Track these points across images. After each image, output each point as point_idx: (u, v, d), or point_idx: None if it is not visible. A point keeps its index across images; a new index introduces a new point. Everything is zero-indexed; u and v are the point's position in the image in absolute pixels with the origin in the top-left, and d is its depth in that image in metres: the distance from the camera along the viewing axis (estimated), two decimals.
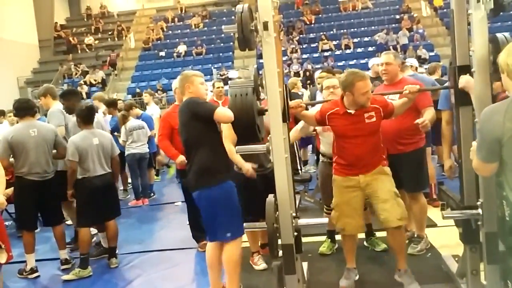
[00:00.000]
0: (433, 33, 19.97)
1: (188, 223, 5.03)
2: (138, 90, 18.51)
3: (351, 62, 17.03)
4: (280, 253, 3.07)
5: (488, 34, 2.82)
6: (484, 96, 2.80)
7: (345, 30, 20.66)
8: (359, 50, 19.59)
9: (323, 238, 4.47)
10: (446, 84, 4.47)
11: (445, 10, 19.48)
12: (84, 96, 17.10)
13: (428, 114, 3.84)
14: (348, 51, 19.61)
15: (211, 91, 5.88)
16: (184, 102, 3.44)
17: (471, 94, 2.93)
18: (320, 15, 22.68)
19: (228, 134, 3.65)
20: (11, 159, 4.51)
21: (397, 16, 21.30)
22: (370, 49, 19.35)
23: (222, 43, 21.45)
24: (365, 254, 4.21)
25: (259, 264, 4.19)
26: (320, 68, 13.70)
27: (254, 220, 3.69)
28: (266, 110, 3.01)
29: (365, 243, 4.39)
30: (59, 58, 22.30)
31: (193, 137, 3.37)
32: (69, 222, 5.49)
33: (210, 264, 3.55)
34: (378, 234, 4.37)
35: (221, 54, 20.76)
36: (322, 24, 21.96)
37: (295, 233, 3.11)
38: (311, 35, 21.13)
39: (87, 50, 22.80)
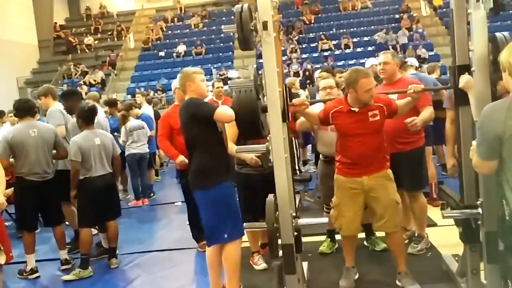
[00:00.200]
0: (432, 32, 19.97)
1: (188, 223, 5.03)
2: (137, 90, 18.50)
3: (351, 62, 17.02)
4: (280, 253, 3.08)
5: (488, 33, 2.82)
6: (484, 95, 2.80)
7: (344, 30, 20.67)
8: (358, 49, 19.59)
9: (323, 237, 4.47)
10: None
11: (444, 9, 19.48)
12: (84, 96, 17.06)
13: (425, 113, 3.84)
14: (347, 50, 19.62)
15: (211, 91, 5.87)
16: (184, 103, 3.42)
17: (469, 94, 2.93)
18: (319, 15, 22.68)
19: (228, 133, 3.65)
20: (11, 160, 4.51)
21: (397, 16, 21.31)
22: (369, 48, 19.34)
23: (221, 43, 21.45)
24: (365, 254, 4.21)
25: (259, 264, 4.20)
26: (319, 68, 13.72)
27: (254, 220, 3.70)
28: None
29: (365, 242, 4.39)
30: (59, 59, 22.30)
31: (192, 138, 3.38)
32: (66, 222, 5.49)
33: (210, 264, 3.55)
34: (378, 233, 4.37)
35: (220, 54, 20.76)
36: (322, 23, 21.97)
37: (295, 233, 3.11)
38: (311, 35, 21.13)
39: (87, 50, 22.80)
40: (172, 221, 6.28)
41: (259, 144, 3.26)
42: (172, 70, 19.73)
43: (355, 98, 3.34)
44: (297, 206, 3.68)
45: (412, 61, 6.05)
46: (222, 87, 5.91)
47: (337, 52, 19.61)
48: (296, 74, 17.79)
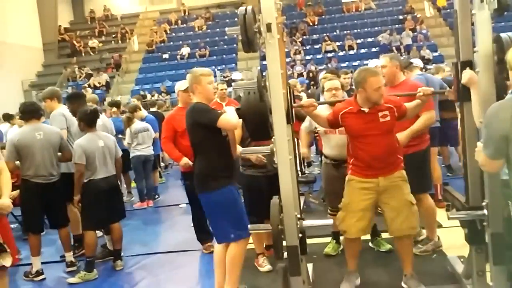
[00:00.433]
0: (436, 33, 19.92)
1: (192, 225, 5.03)
2: (142, 93, 18.55)
3: (355, 63, 17.00)
4: (285, 254, 3.07)
5: (492, 34, 2.81)
6: (489, 96, 2.79)
7: (348, 31, 20.63)
8: (362, 51, 19.54)
9: (328, 239, 4.46)
10: None
11: (448, 10, 19.43)
12: None
13: (421, 119, 3.79)
14: (351, 52, 19.58)
15: (215, 93, 5.88)
16: (190, 108, 3.45)
17: (472, 90, 2.91)
18: (323, 16, 22.66)
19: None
20: (17, 162, 4.52)
21: (401, 17, 21.26)
22: (373, 49, 19.30)
23: (225, 45, 21.47)
24: (370, 255, 4.20)
25: (264, 265, 4.19)
26: (323, 69, 13.71)
27: (259, 221, 3.70)
28: None
29: (370, 244, 4.38)
30: (63, 61, 22.39)
31: (197, 142, 3.43)
32: None
33: (217, 261, 3.59)
34: (383, 234, 4.36)
35: (224, 56, 20.78)
36: (325, 25, 21.95)
37: (300, 235, 3.11)
38: (314, 36, 21.12)
39: (91, 53, 22.87)
40: (176, 223, 6.29)
41: (262, 145, 3.27)
42: (176, 72, 19.79)
43: (364, 98, 3.32)
44: (301, 207, 3.68)
45: (417, 62, 6.03)
46: (226, 89, 5.93)
47: (341, 53, 19.59)
48: (300, 75, 17.79)
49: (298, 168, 6.34)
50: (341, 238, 4.26)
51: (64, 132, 4.91)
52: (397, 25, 20.37)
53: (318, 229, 3.93)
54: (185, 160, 4.53)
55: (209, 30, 22.96)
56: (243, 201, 4.27)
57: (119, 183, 6.78)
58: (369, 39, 20.08)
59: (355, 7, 22.48)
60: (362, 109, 3.34)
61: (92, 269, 4.51)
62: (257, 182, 4.01)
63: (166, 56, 21.40)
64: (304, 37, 21.03)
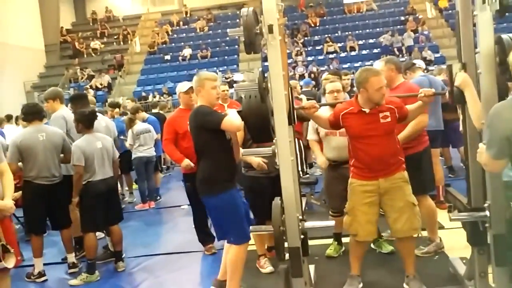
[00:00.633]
0: (438, 34, 19.89)
1: (194, 226, 5.03)
2: (144, 94, 18.60)
3: (356, 64, 16.99)
4: (287, 256, 3.07)
5: (494, 35, 2.81)
6: (491, 97, 2.79)
7: (350, 32, 20.60)
8: (364, 52, 19.53)
9: (330, 240, 4.46)
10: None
11: (450, 11, 19.41)
12: None
13: (412, 124, 3.75)
14: (353, 53, 19.57)
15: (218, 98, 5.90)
16: (193, 111, 3.48)
17: (465, 92, 2.90)
18: (324, 18, 22.65)
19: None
20: (19, 164, 4.53)
21: (402, 18, 21.24)
22: (375, 51, 19.28)
23: (227, 46, 21.49)
24: (372, 256, 4.19)
25: (266, 267, 4.19)
26: (325, 71, 13.71)
27: (260, 223, 3.71)
28: None
29: (372, 245, 4.37)
30: (65, 63, 22.42)
31: (201, 145, 3.45)
32: None
33: (226, 249, 3.65)
34: (385, 236, 4.36)
35: (226, 57, 20.79)
36: (327, 26, 21.95)
37: (302, 236, 3.11)
38: (316, 38, 21.11)
39: (93, 54, 22.89)
40: (178, 224, 6.29)
41: (264, 147, 3.28)
42: (177, 73, 19.81)
43: (366, 98, 3.32)
44: (303, 209, 3.68)
45: (420, 63, 6.03)
46: (227, 90, 5.92)
47: (342, 54, 19.57)
48: (302, 76, 17.78)
49: (300, 169, 6.35)
50: (344, 239, 4.26)
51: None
52: (398, 26, 20.35)
53: (320, 230, 3.93)
54: (187, 162, 4.53)
55: (210, 32, 22.99)
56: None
57: (119, 184, 6.85)
58: (371, 40, 20.07)
59: (357, 8, 22.46)
60: (363, 109, 3.34)
61: (94, 271, 4.52)
62: (259, 183, 4.01)
63: (167, 57, 21.41)
64: (306, 38, 21.02)
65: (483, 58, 2.81)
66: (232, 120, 3.25)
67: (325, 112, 3.66)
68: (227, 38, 21.07)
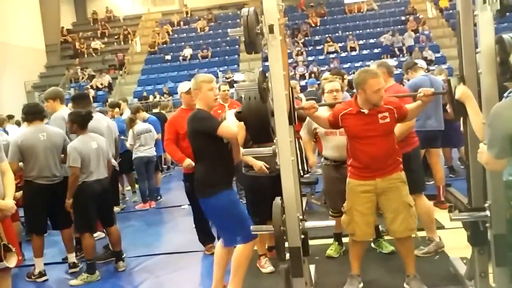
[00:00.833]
0: (439, 34, 19.89)
1: (194, 226, 5.03)
2: (144, 94, 18.61)
3: (357, 64, 16.99)
4: (287, 256, 3.07)
5: (495, 35, 2.81)
6: (492, 97, 2.78)
7: (350, 32, 20.61)
8: (364, 52, 19.54)
9: (330, 240, 4.46)
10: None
11: (451, 11, 19.41)
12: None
13: (398, 126, 3.69)
14: (353, 53, 19.58)
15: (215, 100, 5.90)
16: (191, 115, 3.46)
17: (467, 105, 2.89)
18: (325, 17, 22.67)
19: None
20: (20, 163, 4.53)
21: (403, 18, 21.24)
22: (375, 51, 19.30)
23: (227, 46, 21.50)
24: (372, 256, 4.19)
25: (266, 267, 4.19)
26: (326, 70, 13.71)
27: (261, 222, 3.71)
28: None
29: (372, 244, 4.37)
30: (66, 63, 22.45)
31: (197, 149, 3.46)
32: None
33: (217, 260, 3.61)
34: (386, 236, 4.35)
35: (226, 57, 20.80)
36: (328, 26, 21.96)
37: (302, 236, 3.11)
38: (317, 37, 21.12)
39: (94, 54, 22.92)
40: (178, 224, 6.30)
41: (264, 147, 3.28)
42: (178, 73, 19.84)
43: (364, 99, 3.32)
44: (304, 209, 3.68)
45: (421, 63, 6.03)
46: (228, 90, 5.94)
47: (343, 54, 19.57)
48: (302, 76, 17.80)
49: (300, 168, 6.35)
50: (344, 239, 4.26)
51: None
52: (399, 26, 20.35)
53: (320, 230, 3.93)
54: (188, 161, 4.53)
55: (211, 32, 23.00)
56: (245, 202, 4.29)
57: (120, 184, 6.86)
58: (371, 40, 20.08)
59: (357, 8, 22.47)
60: (361, 110, 3.34)
61: (94, 271, 4.52)
62: (259, 183, 4.01)
63: (168, 57, 21.43)
64: (306, 38, 21.03)
65: (484, 58, 2.81)
66: (229, 126, 3.25)
67: (324, 112, 3.66)
68: (228, 38, 21.09)
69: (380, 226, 4.31)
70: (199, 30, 23.20)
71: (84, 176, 4.44)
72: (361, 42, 20.10)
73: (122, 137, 7.11)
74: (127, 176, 7.87)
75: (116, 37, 23.98)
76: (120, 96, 18.08)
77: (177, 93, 17.46)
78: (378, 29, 20.62)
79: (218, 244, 3.63)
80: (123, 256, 4.80)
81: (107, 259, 4.94)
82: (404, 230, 3.40)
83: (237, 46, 20.82)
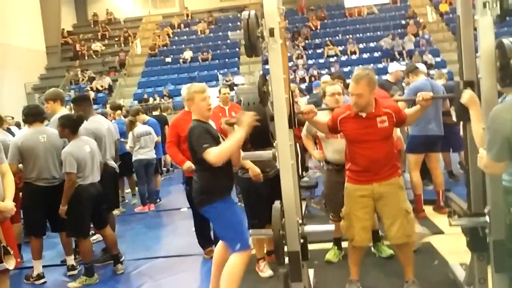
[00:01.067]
0: (439, 38, 19.93)
1: (194, 229, 5.02)
2: (145, 96, 18.62)
3: (357, 68, 16.99)
4: (287, 260, 3.06)
5: (495, 39, 2.81)
6: (492, 102, 2.78)
7: (350, 36, 20.66)
8: (364, 55, 19.59)
9: (330, 245, 4.45)
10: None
11: (451, 15, 19.46)
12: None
13: None
14: (353, 56, 19.61)
15: (217, 97, 5.91)
16: (191, 127, 3.35)
17: (471, 110, 2.89)
18: (325, 21, 22.71)
19: None
20: (20, 165, 4.52)
21: (403, 22, 21.29)
22: (375, 54, 19.34)
23: (228, 48, 21.52)
24: (371, 261, 4.18)
25: (265, 271, 4.18)
26: (326, 74, 13.71)
27: (258, 224, 3.70)
28: None
29: (372, 249, 4.36)
30: (66, 64, 22.45)
31: (196, 160, 3.39)
32: None
33: (215, 263, 3.59)
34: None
35: (227, 59, 20.82)
36: (328, 29, 21.99)
37: (302, 240, 3.11)
38: (317, 41, 21.15)
39: (94, 56, 22.94)
40: (178, 227, 6.29)
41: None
42: (178, 76, 19.87)
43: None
44: (303, 213, 3.67)
45: (422, 67, 6.04)
46: (228, 93, 5.94)
47: (343, 58, 19.60)
48: (302, 80, 17.81)
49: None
50: (343, 244, 4.25)
51: None
52: (399, 30, 20.38)
53: (320, 234, 3.91)
54: (188, 164, 4.52)
55: (211, 34, 23.03)
56: (244, 205, 4.28)
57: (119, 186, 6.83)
58: (372, 44, 20.10)
59: (358, 11, 22.50)
60: (359, 114, 3.34)
61: (93, 274, 4.50)
62: (255, 185, 3.99)
63: (168, 59, 21.44)
64: (307, 41, 21.06)
65: (484, 62, 2.81)
66: (214, 156, 3.11)
67: (323, 117, 3.65)
68: (228, 41, 21.15)
69: (380, 231, 4.30)
70: (199, 33, 23.22)
71: (80, 180, 4.39)
72: (361, 45, 20.13)
73: (122, 139, 7.11)
74: (128, 179, 7.87)
75: (116, 39, 24.00)
76: (120, 98, 18.14)
77: (177, 96, 17.51)
78: (378, 32, 20.63)
79: (219, 246, 3.60)
80: (121, 259, 4.79)
81: (106, 262, 4.93)
82: (401, 236, 3.38)
83: (237, 49, 20.85)
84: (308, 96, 8.49)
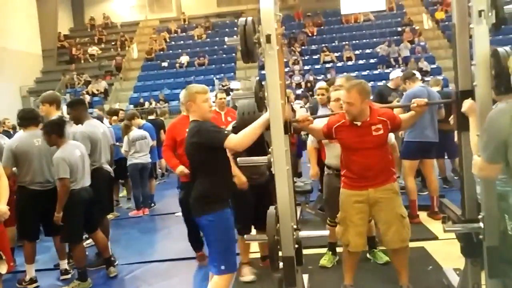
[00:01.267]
0: (434, 45, 20.05)
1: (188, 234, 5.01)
2: (141, 100, 18.61)
3: (353, 74, 16.91)
4: (281, 265, 3.06)
5: (490, 47, 2.83)
6: (487, 110, 2.79)
7: (347, 42, 20.74)
8: (360, 62, 19.66)
9: (324, 250, 4.44)
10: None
11: (446, 23, 19.57)
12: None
13: None
14: (349, 63, 19.68)
15: (213, 102, 5.91)
16: (195, 126, 3.15)
17: (470, 118, 2.91)
18: (322, 27, 22.80)
19: None
20: (14, 169, 4.51)
21: (399, 29, 21.39)
22: (371, 61, 19.42)
23: (224, 54, 21.56)
24: (366, 267, 4.18)
25: (246, 275, 4.16)
26: (322, 80, 13.75)
27: (244, 229, 3.67)
28: None
29: (367, 255, 4.36)
30: (62, 68, 22.41)
31: (195, 164, 3.25)
32: None
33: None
34: (381, 246, 4.35)
35: (223, 65, 20.85)
36: (324, 36, 22.07)
37: (296, 245, 3.10)
38: (313, 47, 21.21)
39: (90, 60, 22.92)
40: (172, 232, 6.26)
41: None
42: (174, 80, 19.87)
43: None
44: (298, 218, 3.67)
45: (417, 74, 6.08)
46: (225, 98, 5.94)
47: (339, 64, 19.65)
48: (298, 85, 17.85)
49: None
50: (338, 249, 4.25)
51: None
52: (395, 37, 20.49)
53: (314, 239, 3.90)
54: (181, 168, 4.52)
55: (208, 39, 23.06)
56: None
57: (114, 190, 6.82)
58: (368, 50, 20.18)
59: (354, 18, 22.58)
60: (354, 122, 3.35)
61: (86, 278, 4.47)
62: (241, 190, 3.97)
63: (165, 64, 21.46)
64: (303, 47, 21.14)
65: (479, 70, 2.82)
66: (237, 139, 3.03)
67: (320, 123, 3.65)
68: (225, 46, 21.16)
69: (376, 237, 4.31)
70: (196, 38, 23.26)
71: (72, 184, 4.32)
72: (357, 52, 20.21)
73: (117, 144, 7.09)
74: (124, 183, 7.84)
75: (113, 43, 24.00)
76: (116, 102, 18.11)
77: (173, 100, 17.46)
78: (375, 39, 20.73)
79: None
80: (115, 263, 4.77)
81: (99, 266, 4.90)
82: (396, 241, 3.40)
83: (233, 54, 20.89)
84: (300, 101, 8.50)
